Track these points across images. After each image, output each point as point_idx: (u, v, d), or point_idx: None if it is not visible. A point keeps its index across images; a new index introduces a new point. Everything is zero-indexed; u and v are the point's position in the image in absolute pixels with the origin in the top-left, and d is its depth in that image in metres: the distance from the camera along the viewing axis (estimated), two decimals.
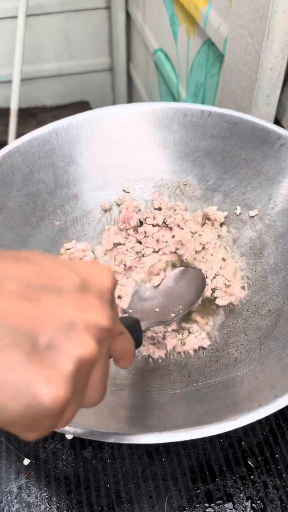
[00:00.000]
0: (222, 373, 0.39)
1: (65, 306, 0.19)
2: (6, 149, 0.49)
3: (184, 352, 0.43)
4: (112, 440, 0.30)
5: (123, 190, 0.55)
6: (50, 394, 0.18)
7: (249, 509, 0.37)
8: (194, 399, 0.37)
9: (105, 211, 0.55)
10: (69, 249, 0.50)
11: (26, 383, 0.17)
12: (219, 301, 0.46)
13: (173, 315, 0.44)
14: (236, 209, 0.52)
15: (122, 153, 0.55)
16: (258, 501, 0.37)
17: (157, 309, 0.44)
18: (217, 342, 0.44)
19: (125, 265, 0.50)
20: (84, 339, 0.19)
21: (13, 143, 0.50)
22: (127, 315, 0.45)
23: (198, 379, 0.39)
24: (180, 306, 0.45)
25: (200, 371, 0.41)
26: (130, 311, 0.45)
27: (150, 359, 0.43)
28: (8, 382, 0.17)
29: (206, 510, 0.37)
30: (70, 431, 0.30)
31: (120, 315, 0.45)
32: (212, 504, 0.37)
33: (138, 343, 0.33)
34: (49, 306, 0.19)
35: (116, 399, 0.37)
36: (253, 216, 0.50)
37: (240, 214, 0.51)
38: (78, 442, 0.40)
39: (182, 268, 0.49)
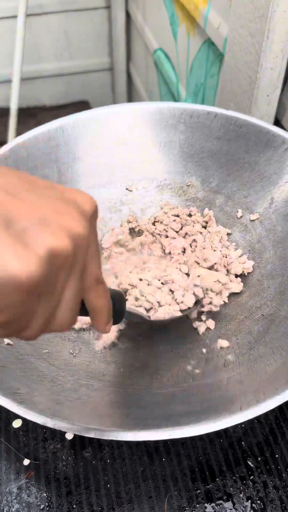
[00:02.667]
0: (209, 375, 0.40)
1: (44, 205, 0.21)
2: (12, 144, 0.49)
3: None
4: (92, 435, 0.30)
5: (126, 189, 0.56)
6: (21, 268, 0.18)
7: (249, 509, 0.37)
8: (178, 400, 0.37)
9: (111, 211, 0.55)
10: None
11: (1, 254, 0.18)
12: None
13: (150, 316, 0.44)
14: (237, 212, 0.52)
15: (127, 152, 0.55)
16: (258, 501, 0.37)
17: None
18: (209, 345, 0.44)
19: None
20: (58, 233, 0.20)
21: (19, 138, 0.50)
22: None
23: (185, 380, 0.40)
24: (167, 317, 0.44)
25: (189, 372, 0.41)
26: None
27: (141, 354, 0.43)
28: None
29: (206, 510, 0.37)
30: (49, 423, 0.31)
31: None
32: (212, 504, 0.37)
33: (120, 315, 0.33)
34: (30, 202, 0.21)
35: (102, 395, 0.37)
36: (253, 220, 0.50)
37: (241, 217, 0.51)
38: (78, 443, 0.40)
39: None
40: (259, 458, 0.40)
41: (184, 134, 0.54)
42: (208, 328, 0.45)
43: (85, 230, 0.22)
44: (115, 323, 0.32)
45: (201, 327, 0.45)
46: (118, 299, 0.33)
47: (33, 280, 0.19)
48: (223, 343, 0.43)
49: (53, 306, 0.22)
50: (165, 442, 0.40)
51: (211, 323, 0.45)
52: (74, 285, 0.23)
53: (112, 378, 0.40)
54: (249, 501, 0.37)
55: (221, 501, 0.37)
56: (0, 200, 0.20)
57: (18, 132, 1.07)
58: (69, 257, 0.21)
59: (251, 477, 0.39)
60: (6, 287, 0.19)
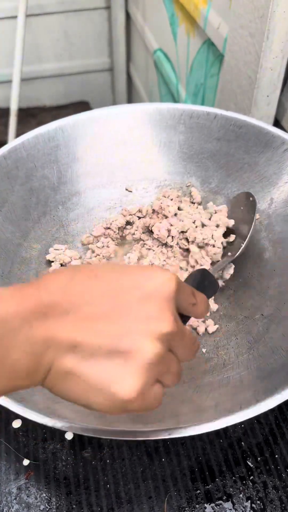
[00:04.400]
0: (209, 375, 0.40)
1: (132, 321, 0.24)
2: (11, 144, 0.49)
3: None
4: (91, 434, 0.30)
5: (126, 189, 0.56)
6: (124, 389, 0.23)
7: (248, 509, 0.37)
8: (178, 399, 0.37)
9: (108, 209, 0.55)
10: (57, 249, 0.50)
11: (107, 384, 0.23)
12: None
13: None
14: None
15: (126, 153, 0.55)
16: (258, 501, 0.37)
17: None
18: (208, 344, 0.44)
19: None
20: (149, 345, 0.24)
21: (18, 139, 0.50)
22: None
23: (185, 379, 0.40)
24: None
25: (188, 372, 0.41)
26: None
27: None
28: (96, 385, 0.23)
29: (206, 510, 0.37)
30: (49, 423, 0.31)
31: None
32: (212, 504, 0.37)
33: (213, 288, 0.36)
34: (120, 320, 0.24)
35: None
36: None
37: None
38: (78, 443, 0.40)
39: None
40: (259, 458, 0.40)
41: (184, 135, 0.54)
42: (207, 328, 0.45)
43: (172, 325, 0.25)
44: (212, 295, 0.36)
45: (200, 327, 0.45)
46: (204, 276, 0.36)
47: (135, 392, 0.23)
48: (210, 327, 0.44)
49: (164, 383, 0.26)
50: (164, 442, 0.40)
51: (210, 323, 0.45)
52: (174, 362, 0.26)
53: None
54: (249, 501, 0.37)
55: (220, 501, 0.37)
56: (98, 329, 0.23)
57: (18, 132, 1.07)
58: (162, 355, 0.24)
59: (251, 477, 0.39)
60: (121, 405, 0.23)
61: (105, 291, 0.24)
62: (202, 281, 0.35)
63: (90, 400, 0.24)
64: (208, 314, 0.46)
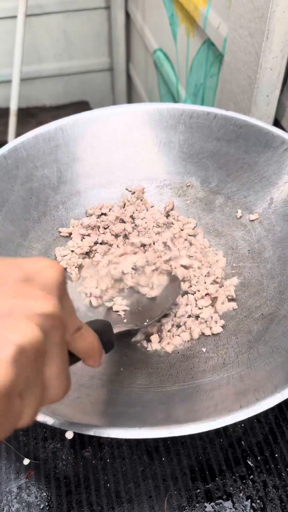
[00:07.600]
0: (209, 374, 0.40)
1: (4, 296, 0.20)
2: (11, 144, 0.49)
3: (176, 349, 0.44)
4: (91, 433, 0.30)
5: (126, 189, 0.56)
6: None
7: (248, 508, 0.37)
8: (178, 398, 0.37)
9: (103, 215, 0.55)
10: (65, 255, 0.51)
11: None
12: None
13: (145, 323, 0.43)
14: (237, 212, 0.52)
15: (126, 152, 0.55)
16: (258, 501, 0.37)
17: (125, 320, 0.44)
18: (208, 343, 0.44)
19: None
20: (24, 325, 0.19)
21: (19, 138, 0.50)
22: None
23: (185, 379, 0.40)
24: (159, 313, 0.44)
25: (188, 371, 0.41)
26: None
27: (143, 350, 0.44)
28: None
29: (206, 509, 0.37)
30: (49, 421, 0.31)
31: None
32: (212, 504, 0.37)
33: (109, 345, 0.33)
34: None
35: (102, 394, 0.38)
36: (253, 220, 0.50)
37: (241, 217, 0.51)
38: (78, 442, 0.41)
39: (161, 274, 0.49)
40: (259, 458, 0.40)
41: (183, 135, 0.54)
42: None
43: (55, 307, 0.21)
44: (106, 352, 0.32)
45: None
46: (105, 329, 0.32)
47: (4, 387, 0.18)
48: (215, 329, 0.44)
49: (40, 389, 0.21)
50: (165, 441, 0.41)
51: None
52: (57, 361, 0.22)
53: (112, 377, 0.40)
54: (249, 500, 0.37)
55: (221, 501, 0.37)
56: None
57: (18, 132, 1.07)
58: (40, 344, 0.20)
59: (251, 476, 0.39)
60: None
61: None
62: (101, 334, 0.29)
63: None
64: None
